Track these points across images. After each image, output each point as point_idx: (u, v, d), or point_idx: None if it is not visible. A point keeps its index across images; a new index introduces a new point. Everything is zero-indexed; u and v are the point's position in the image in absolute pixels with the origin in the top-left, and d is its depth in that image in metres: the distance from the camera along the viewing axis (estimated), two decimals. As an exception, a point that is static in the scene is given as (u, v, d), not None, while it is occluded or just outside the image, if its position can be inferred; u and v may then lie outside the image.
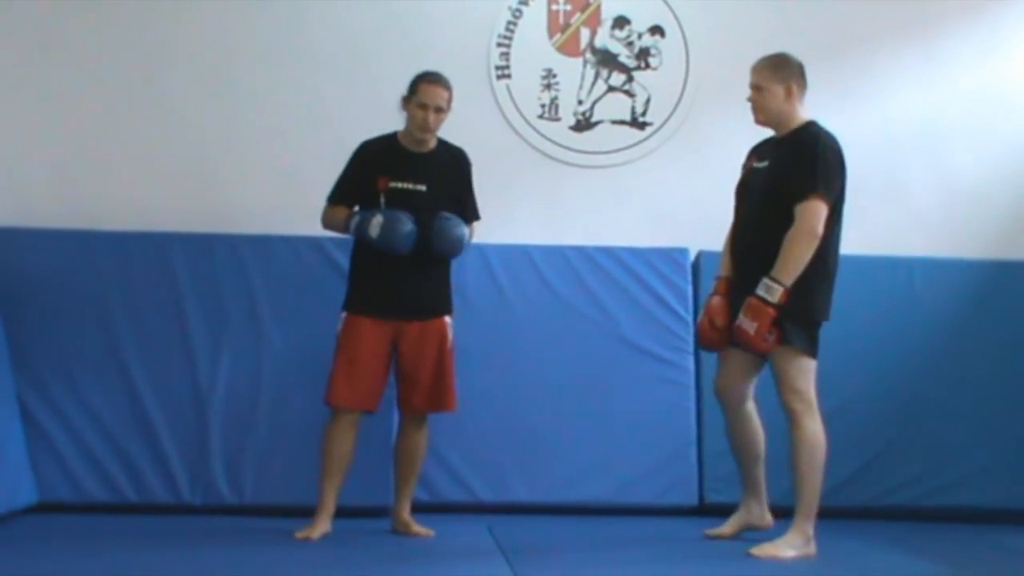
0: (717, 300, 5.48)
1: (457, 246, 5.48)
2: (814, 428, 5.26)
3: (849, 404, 6.15)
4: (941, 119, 6.80)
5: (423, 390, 5.54)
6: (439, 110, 5.48)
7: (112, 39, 6.43)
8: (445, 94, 5.49)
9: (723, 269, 5.57)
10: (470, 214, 5.66)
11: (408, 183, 5.49)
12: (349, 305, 5.56)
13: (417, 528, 5.57)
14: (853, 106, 6.68)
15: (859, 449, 6.20)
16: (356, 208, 5.54)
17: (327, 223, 5.66)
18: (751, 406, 5.51)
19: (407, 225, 5.38)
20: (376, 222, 5.40)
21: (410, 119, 5.52)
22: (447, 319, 5.61)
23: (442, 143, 5.63)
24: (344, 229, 5.55)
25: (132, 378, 6.04)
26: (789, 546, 5.20)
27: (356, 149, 5.62)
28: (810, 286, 5.26)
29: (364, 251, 5.53)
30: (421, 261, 5.46)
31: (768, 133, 5.54)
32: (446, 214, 5.46)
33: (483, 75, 6.63)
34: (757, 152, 5.55)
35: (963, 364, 6.40)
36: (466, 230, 5.52)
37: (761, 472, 5.55)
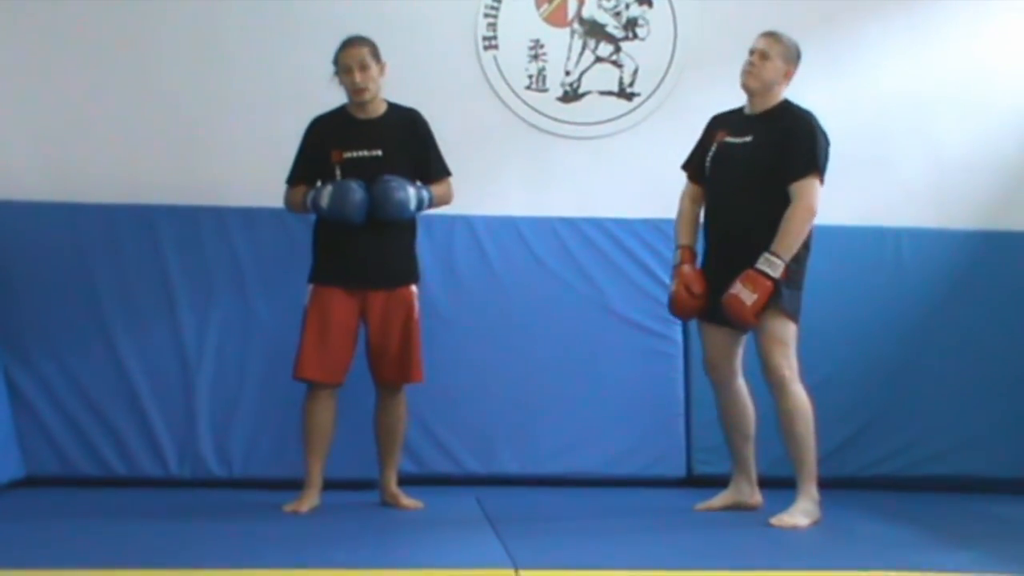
0: (689, 268, 5.49)
1: (400, 208, 5.41)
2: (802, 392, 5.33)
3: (837, 375, 6.16)
4: (929, 90, 6.79)
5: (391, 361, 5.53)
6: (364, 67, 5.45)
7: (98, 11, 6.39)
8: (363, 50, 5.48)
9: (683, 237, 5.59)
10: (437, 171, 5.62)
11: (363, 151, 5.48)
12: (315, 276, 5.54)
13: (405, 500, 5.58)
14: (841, 77, 6.67)
15: (847, 420, 6.22)
16: (318, 184, 5.52)
17: (288, 205, 5.64)
18: (741, 383, 5.54)
19: (357, 193, 5.36)
20: (326, 192, 5.39)
21: (345, 89, 5.52)
22: (413, 288, 5.59)
23: (392, 106, 5.61)
24: (303, 207, 5.55)
25: (119, 351, 6.03)
26: (803, 513, 5.27)
27: (307, 127, 5.61)
28: (802, 255, 5.35)
29: (325, 221, 5.52)
30: (383, 229, 5.45)
31: (737, 103, 5.56)
32: (388, 177, 5.41)
33: (470, 46, 6.60)
34: (727, 126, 5.55)
35: (950, 335, 6.42)
36: (411, 191, 5.44)
37: (751, 451, 5.58)
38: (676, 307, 5.60)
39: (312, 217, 5.62)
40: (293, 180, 5.60)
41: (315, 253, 5.57)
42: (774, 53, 5.43)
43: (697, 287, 5.44)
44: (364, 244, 5.46)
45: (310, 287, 5.53)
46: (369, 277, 5.49)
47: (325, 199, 5.39)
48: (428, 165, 5.59)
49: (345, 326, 5.49)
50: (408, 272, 5.60)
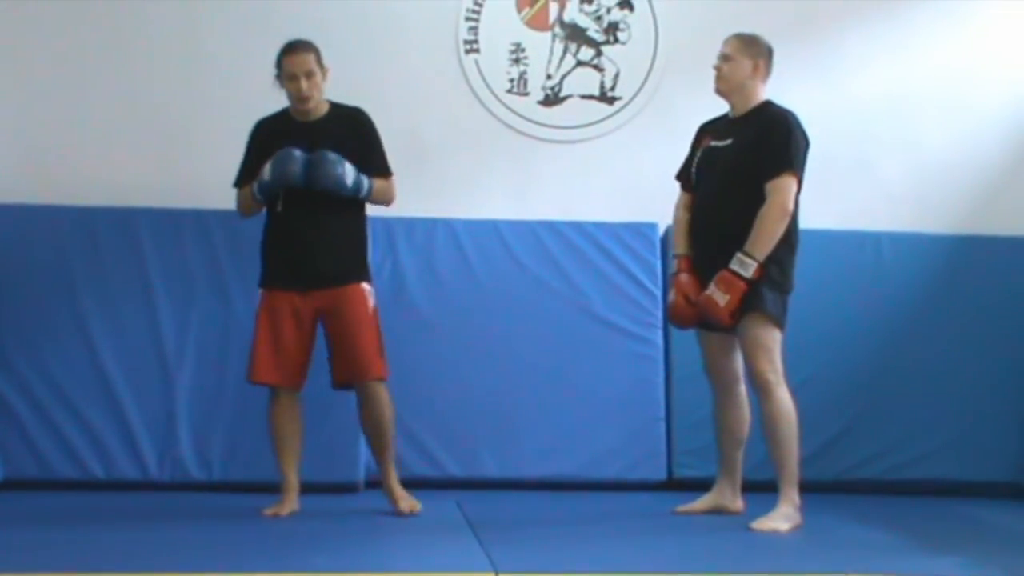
0: (686, 277, 5.49)
1: (335, 180, 5.34)
2: (786, 397, 5.32)
3: (817, 378, 6.16)
4: (910, 93, 6.80)
5: (343, 361, 5.48)
6: (310, 74, 5.43)
7: (78, 13, 6.38)
8: (309, 57, 5.45)
9: (680, 247, 5.59)
10: (376, 169, 5.54)
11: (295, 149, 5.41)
12: (263, 280, 5.53)
13: (403, 503, 5.50)
14: (822, 80, 6.69)
15: (827, 423, 6.22)
16: None
17: (239, 206, 5.62)
18: (743, 389, 5.53)
19: (298, 160, 5.32)
20: (267, 165, 5.38)
21: (288, 95, 5.51)
22: (364, 286, 5.52)
23: (336, 107, 5.58)
24: (253, 200, 5.53)
25: (99, 354, 6.02)
26: (783, 518, 5.26)
27: (251, 129, 5.61)
28: (784, 257, 5.34)
29: (272, 225, 5.51)
30: (328, 228, 5.44)
31: (722, 108, 5.57)
32: (326, 151, 5.37)
33: (451, 50, 6.60)
34: (712, 131, 5.58)
35: (930, 338, 6.43)
36: (348, 167, 5.37)
37: (739, 456, 5.58)
38: (674, 316, 5.60)
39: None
40: (240, 182, 5.59)
41: (262, 257, 5.56)
42: (736, 52, 5.45)
43: (694, 295, 5.43)
44: (309, 245, 5.44)
45: (260, 292, 5.51)
46: (314, 278, 5.45)
47: (266, 171, 5.38)
48: (368, 163, 5.52)
49: (296, 329, 5.46)
50: (355, 270, 5.54)
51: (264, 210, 5.57)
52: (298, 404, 5.51)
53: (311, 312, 5.48)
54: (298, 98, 5.47)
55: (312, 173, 5.35)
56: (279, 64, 5.49)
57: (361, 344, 5.47)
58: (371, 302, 5.53)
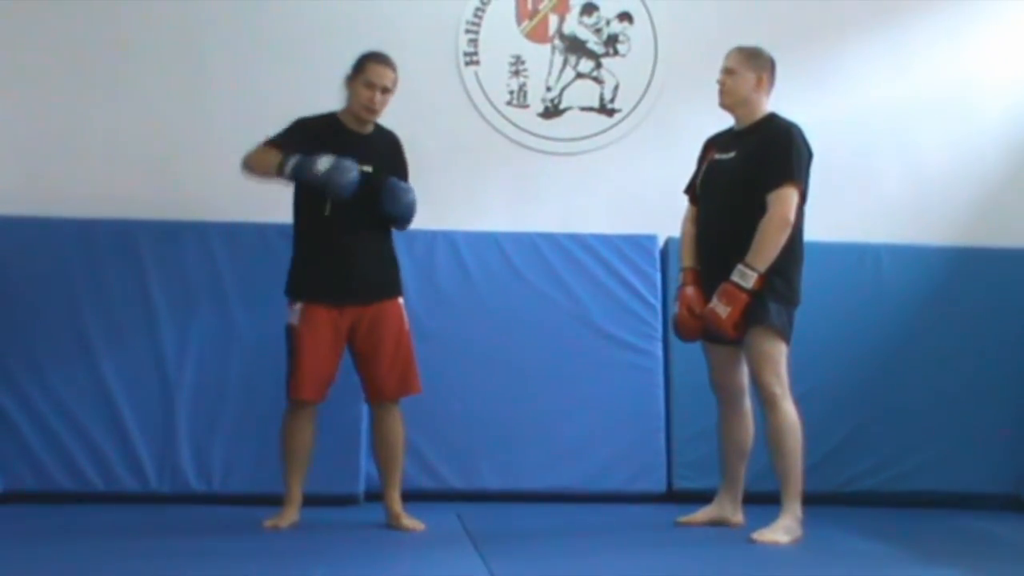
0: (692, 290, 5.50)
1: (411, 209, 5.41)
2: (792, 410, 5.34)
3: (816, 390, 6.15)
4: (909, 105, 6.82)
5: (388, 374, 5.46)
6: (385, 91, 5.41)
7: (79, 25, 6.39)
8: (392, 75, 5.43)
9: (687, 260, 5.60)
10: None
11: (356, 163, 5.39)
12: (301, 293, 5.44)
13: (407, 521, 5.47)
14: (821, 92, 6.70)
15: (826, 435, 6.21)
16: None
17: (251, 160, 5.41)
18: (747, 401, 5.55)
19: (354, 170, 5.26)
20: (325, 159, 5.24)
21: (354, 98, 5.44)
22: (400, 301, 5.53)
23: (376, 125, 5.55)
24: (271, 169, 5.35)
25: (99, 366, 6.01)
26: (784, 530, 5.26)
27: (293, 123, 5.48)
28: (789, 270, 5.35)
29: (309, 235, 5.44)
30: (368, 243, 5.43)
31: (727, 121, 5.59)
32: (396, 179, 5.41)
33: (451, 61, 6.62)
34: (717, 144, 5.59)
35: (930, 350, 6.43)
36: (415, 197, 5.44)
37: (742, 470, 5.59)
38: (679, 329, 5.60)
39: (291, 231, 5.56)
40: (271, 144, 5.41)
41: (299, 270, 5.48)
42: (739, 66, 5.47)
43: (699, 308, 5.44)
44: (351, 259, 5.40)
45: (298, 306, 5.42)
46: (359, 292, 5.43)
47: (324, 164, 5.22)
48: None
49: (334, 344, 5.43)
50: (395, 285, 5.54)
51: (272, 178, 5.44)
52: (315, 419, 5.49)
53: (348, 325, 5.44)
54: (366, 108, 5.41)
55: (388, 198, 5.36)
56: (361, 67, 5.41)
57: (406, 358, 5.48)
58: (406, 315, 5.54)
